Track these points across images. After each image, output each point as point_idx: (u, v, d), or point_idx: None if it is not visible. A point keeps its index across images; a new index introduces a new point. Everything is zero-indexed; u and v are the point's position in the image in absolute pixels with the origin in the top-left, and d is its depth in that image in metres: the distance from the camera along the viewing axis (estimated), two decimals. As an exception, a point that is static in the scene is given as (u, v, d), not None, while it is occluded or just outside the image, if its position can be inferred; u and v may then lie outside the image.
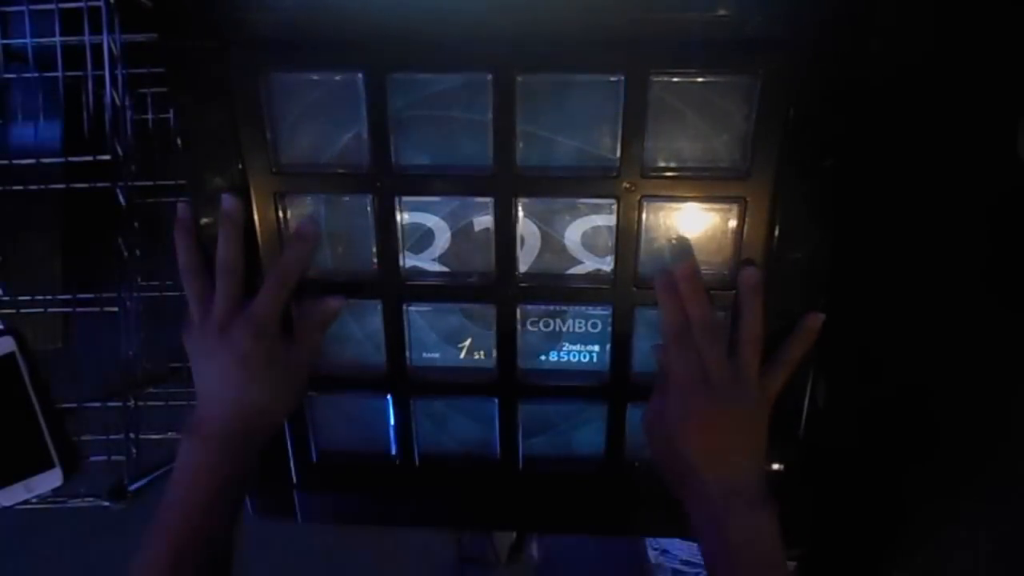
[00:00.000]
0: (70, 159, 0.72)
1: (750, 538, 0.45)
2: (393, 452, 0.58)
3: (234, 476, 0.49)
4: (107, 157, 0.67)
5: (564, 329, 0.54)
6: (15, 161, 0.74)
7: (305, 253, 0.51)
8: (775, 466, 0.55)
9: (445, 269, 0.53)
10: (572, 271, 0.52)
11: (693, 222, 0.50)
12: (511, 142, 0.48)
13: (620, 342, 0.53)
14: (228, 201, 0.50)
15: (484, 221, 0.51)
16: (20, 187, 0.75)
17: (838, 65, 0.45)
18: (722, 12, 0.45)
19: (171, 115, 0.64)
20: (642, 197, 0.49)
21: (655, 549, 1.07)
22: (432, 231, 0.52)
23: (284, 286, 0.50)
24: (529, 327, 0.54)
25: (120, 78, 0.64)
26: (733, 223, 0.49)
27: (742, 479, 0.47)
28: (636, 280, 0.51)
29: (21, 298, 0.77)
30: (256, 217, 0.51)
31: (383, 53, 0.47)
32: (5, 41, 0.71)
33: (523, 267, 0.52)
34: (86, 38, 0.65)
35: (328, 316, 0.53)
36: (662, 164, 0.49)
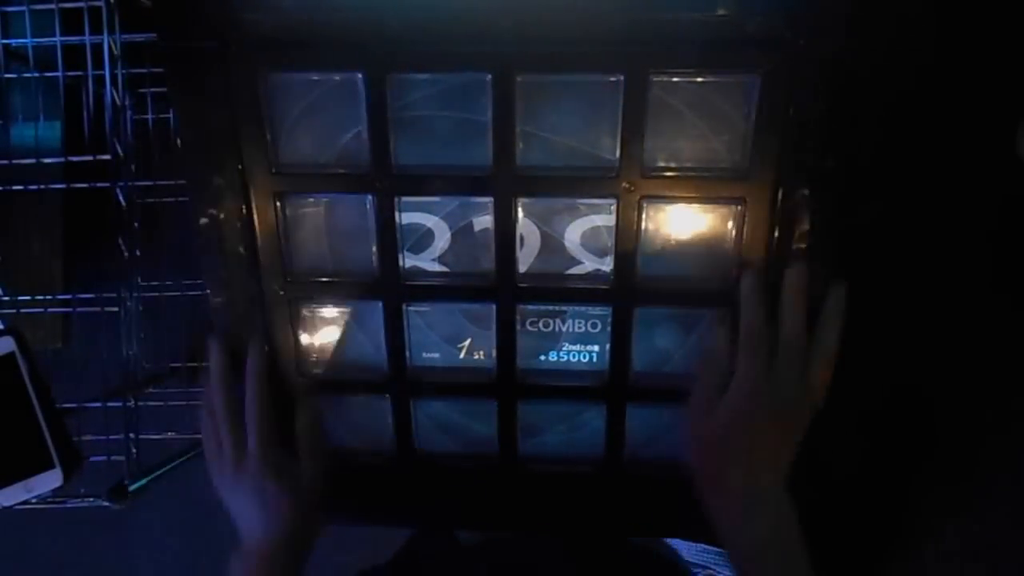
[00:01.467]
0: (70, 159, 0.72)
1: (781, 535, 0.47)
2: (393, 452, 0.58)
3: None
4: (107, 157, 0.67)
5: (563, 329, 0.54)
6: (15, 161, 0.74)
7: (261, 383, 0.54)
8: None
9: (445, 269, 0.53)
10: (572, 271, 0.52)
11: (693, 222, 0.50)
12: (511, 142, 0.48)
13: (620, 342, 0.53)
14: (252, 363, 0.54)
15: (484, 221, 0.51)
16: (20, 187, 0.75)
17: (838, 65, 0.45)
18: (722, 12, 0.45)
19: (171, 115, 0.64)
20: (642, 197, 0.49)
21: (655, 549, 1.07)
22: (432, 231, 0.52)
23: (261, 418, 0.53)
24: (529, 327, 0.54)
25: (120, 78, 0.64)
26: (733, 223, 0.49)
27: (777, 480, 0.48)
28: (636, 280, 0.51)
29: (21, 298, 0.78)
30: (256, 217, 0.51)
31: (383, 53, 0.47)
32: (5, 41, 0.71)
33: (523, 267, 0.52)
34: (86, 38, 0.65)
35: (313, 423, 0.56)
36: (662, 164, 0.49)
